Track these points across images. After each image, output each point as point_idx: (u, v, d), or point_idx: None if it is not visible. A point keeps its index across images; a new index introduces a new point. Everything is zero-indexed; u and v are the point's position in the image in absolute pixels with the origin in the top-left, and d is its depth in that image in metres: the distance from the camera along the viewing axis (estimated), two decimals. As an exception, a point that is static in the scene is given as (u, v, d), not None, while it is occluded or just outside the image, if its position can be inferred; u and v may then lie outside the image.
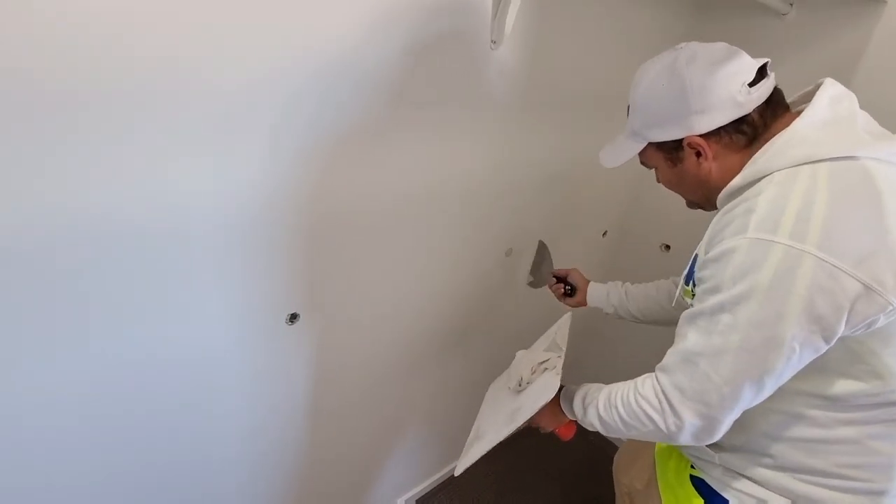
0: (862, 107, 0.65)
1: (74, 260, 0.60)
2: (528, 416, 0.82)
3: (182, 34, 0.56)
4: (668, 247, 1.58)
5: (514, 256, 1.30)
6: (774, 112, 0.66)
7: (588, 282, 1.12)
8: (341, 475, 1.26)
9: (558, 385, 0.82)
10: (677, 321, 0.66)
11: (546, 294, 1.23)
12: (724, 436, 0.63)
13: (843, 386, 0.59)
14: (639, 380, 0.69)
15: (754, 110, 0.65)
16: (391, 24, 0.74)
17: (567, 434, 0.90)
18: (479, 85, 0.93)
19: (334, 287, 0.92)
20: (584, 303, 1.12)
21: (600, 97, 1.23)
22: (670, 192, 0.81)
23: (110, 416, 0.74)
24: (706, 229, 0.67)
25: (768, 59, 0.67)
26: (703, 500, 0.75)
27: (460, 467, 0.89)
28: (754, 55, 0.97)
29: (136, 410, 0.77)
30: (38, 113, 0.51)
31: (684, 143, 0.70)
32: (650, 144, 0.75)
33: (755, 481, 0.70)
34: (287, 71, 0.67)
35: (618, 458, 1.14)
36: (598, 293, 1.09)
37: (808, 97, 0.65)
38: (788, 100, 0.70)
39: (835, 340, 0.54)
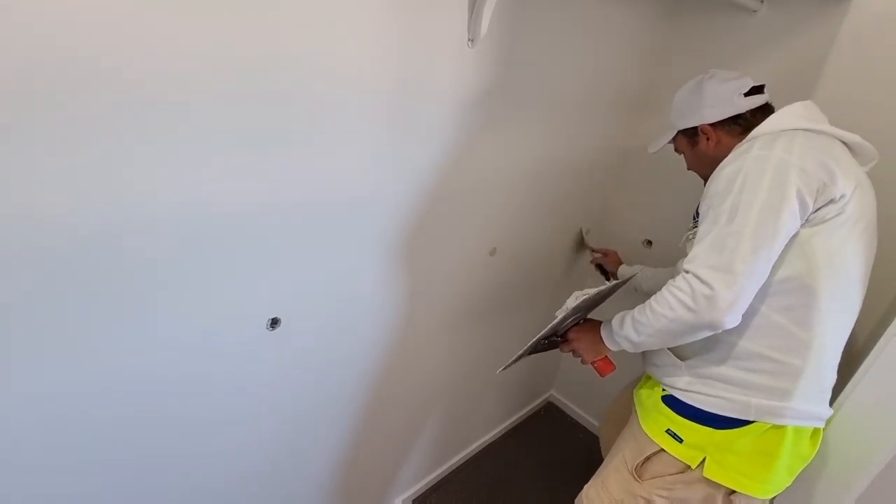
0: (828, 99, 0.84)
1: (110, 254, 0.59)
2: (562, 315, 0.97)
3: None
4: (649, 242, 1.60)
5: (497, 256, 1.31)
6: (763, 116, 0.91)
7: (621, 264, 1.47)
8: (340, 477, 1.25)
9: (589, 291, 0.97)
10: None
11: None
12: (688, 345, 0.86)
13: (781, 269, 0.79)
14: (670, 280, 0.83)
15: (748, 111, 0.95)
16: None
17: (605, 369, 1.01)
18: (455, 84, 0.92)
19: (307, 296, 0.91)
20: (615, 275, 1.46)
21: (576, 97, 1.24)
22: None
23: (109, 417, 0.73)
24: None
25: (764, 83, 0.97)
26: (673, 412, 0.92)
27: (502, 369, 1.05)
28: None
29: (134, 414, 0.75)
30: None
31: (699, 129, 0.99)
32: (679, 132, 1.05)
33: (710, 378, 0.87)
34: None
35: (603, 417, 1.30)
36: (623, 270, 1.43)
37: None
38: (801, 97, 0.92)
39: (804, 220, 0.78)
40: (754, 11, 1.21)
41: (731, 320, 0.76)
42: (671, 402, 0.92)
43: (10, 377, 0.61)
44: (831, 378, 0.85)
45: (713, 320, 0.76)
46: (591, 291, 0.96)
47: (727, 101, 0.95)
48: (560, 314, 0.96)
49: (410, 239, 1.03)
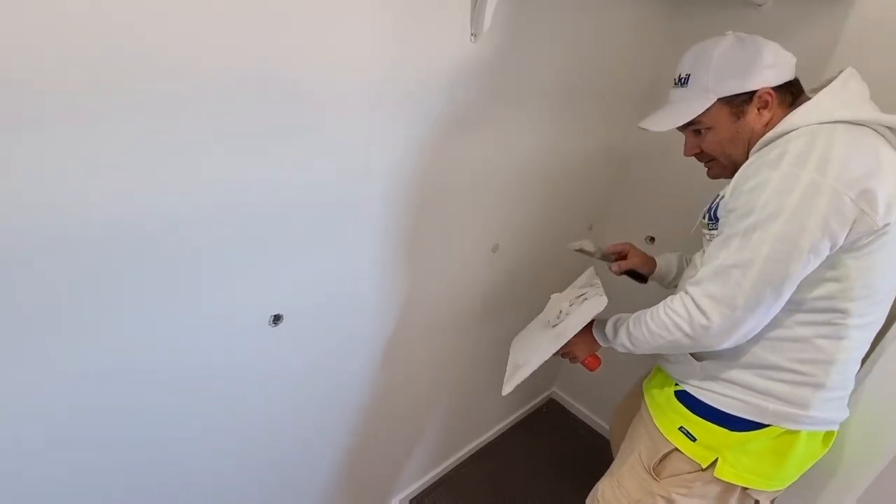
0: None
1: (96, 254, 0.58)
2: (577, 330, 0.94)
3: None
4: (652, 239, 1.59)
5: (500, 253, 1.30)
6: (797, 90, 0.83)
7: (650, 260, 1.15)
8: (341, 474, 1.25)
9: (605, 300, 0.94)
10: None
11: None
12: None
13: (812, 290, 0.74)
14: (667, 298, 0.82)
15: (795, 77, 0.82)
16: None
17: (593, 365, 1.01)
18: (458, 79, 0.92)
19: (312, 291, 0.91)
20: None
21: (579, 92, 1.23)
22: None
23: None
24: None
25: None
26: (686, 409, 0.89)
27: (507, 388, 1.01)
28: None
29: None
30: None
31: (756, 95, 0.80)
32: (718, 101, 0.82)
33: (727, 381, 0.84)
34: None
35: (615, 411, 1.28)
36: (661, 265, 1.16)
37: (829, 82, 0.79)
38: (814, 85, 0.83)
39: (833, 251, 0.69)
40: (759, 5, 1.20)
41: (731, 344, 0.76)
42: (684, 397, 0.90)
43: (11, 371, 0.61)
44: (851, 386, 0.84)
45: (710, 345, 0.76)
46: (594, 312, 0.94)
47: (789, 61, 0.81)
48: (565, 332, 0.95)
49: (412, 235, 1.02)
